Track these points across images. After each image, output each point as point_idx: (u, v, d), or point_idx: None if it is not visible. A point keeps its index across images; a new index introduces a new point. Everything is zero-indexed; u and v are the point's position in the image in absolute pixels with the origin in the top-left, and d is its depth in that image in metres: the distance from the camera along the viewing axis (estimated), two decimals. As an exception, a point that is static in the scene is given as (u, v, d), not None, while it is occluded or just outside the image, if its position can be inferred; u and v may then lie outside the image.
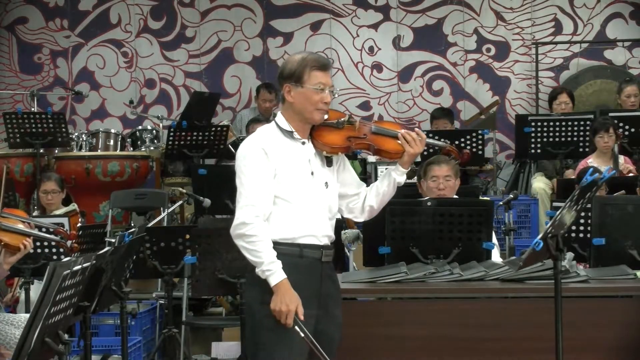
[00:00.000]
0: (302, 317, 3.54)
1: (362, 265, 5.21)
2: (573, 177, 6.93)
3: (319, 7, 9.90)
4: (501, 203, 6.06)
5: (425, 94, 9.82)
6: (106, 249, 4.26)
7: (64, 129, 8.06)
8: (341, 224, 4.95)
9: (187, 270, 6.00)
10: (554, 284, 3.63)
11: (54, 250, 5.63)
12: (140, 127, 8.73)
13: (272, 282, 3.54)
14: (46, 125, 7.98)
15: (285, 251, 3.62)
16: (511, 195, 6.15)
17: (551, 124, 7.55)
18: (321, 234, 3.72)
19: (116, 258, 4.43)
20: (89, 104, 9.94)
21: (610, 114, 7.46)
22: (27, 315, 3.55)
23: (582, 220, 5.10)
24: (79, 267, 3.15)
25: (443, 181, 5.21)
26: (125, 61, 9.99)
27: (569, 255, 4.48)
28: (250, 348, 3.76)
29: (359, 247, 5.28)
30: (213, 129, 8.14)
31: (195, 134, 8.01)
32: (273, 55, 9.87)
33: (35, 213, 7.35)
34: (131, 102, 9.23)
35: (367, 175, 8.09)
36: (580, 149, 7.51)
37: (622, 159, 7.17)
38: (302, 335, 3.52)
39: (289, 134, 3.72)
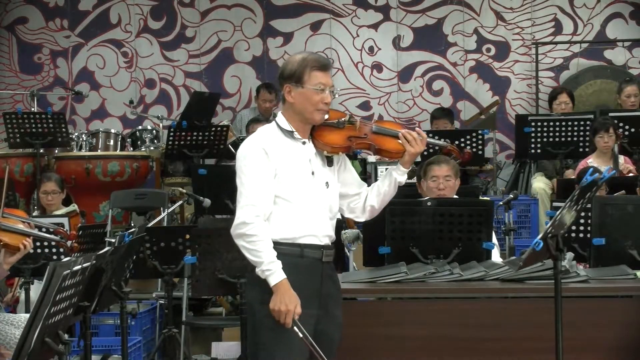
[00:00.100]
0: (297, 317, 3.54)
1: (362, 265, 5.21)
2: (573, 177, 6.93)
3: (319, 7, 9.90)
4: (501, 203, 6.06)
5: (425, 94, 9.82)
6: (106, 249, 4.26)
7: (64, 129, 8.06)
8: (341, 224, 4.95)
9: (187, 270, 6.00)
10: (554, 284, 3.63)
11: (54, 250, 5.63)
12: (140, 127, 8.74)
13: (272, 282, 3.54)
14: (46, 125, 7.98)
15: (286, 251, 3.62)
16: (511, 195, 6.15)
17: (551, 124, 7.55)
18: (322, 233, 3.72)
19: (116, 258, 4.43)
20: (89, 104, 9.94)
21: (610, 114, 7.46)
22: (27, 315, 3.55)
23: (582, 220, 5.10)
24: (79, 267, 3.15)
25: (443, 181, 5.21)
26: (125, 61, 9.99)
27: (569, 255, 4.48)
28: (251, 348, 3.76)
29: (359, 247, 5.28)
30: (213, 129, 8.14)
31: (195, 134, 8.01)
32: (273, 55, 9.87)
33: (35, 213, 7.34)
34: (131, 102, 9.23)
35: (367, 175, 8.09)
36: (580, 149, 7.51)
37: (622, 159, 7.17)
38: (301, 336, 3.52)
39: (290, 134, 3.72)
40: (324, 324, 3.71)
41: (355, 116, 3.88)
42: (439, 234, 4.52)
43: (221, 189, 6.81)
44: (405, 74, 9.84)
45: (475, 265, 4.39)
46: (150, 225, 6.52)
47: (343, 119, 3.81)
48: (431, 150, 5.62)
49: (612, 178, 5.26)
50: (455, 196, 5.26)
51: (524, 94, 9.76)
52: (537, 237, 3.65)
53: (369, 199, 3.88)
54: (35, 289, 5.70)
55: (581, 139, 7.51)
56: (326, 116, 3.75)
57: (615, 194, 5.98)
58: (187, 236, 5.89)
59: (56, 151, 8.25)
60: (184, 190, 7.16)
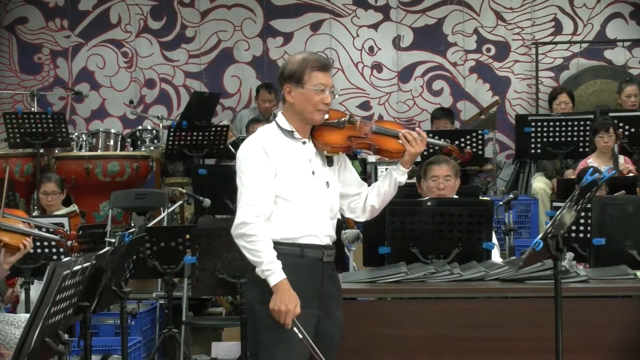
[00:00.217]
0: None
1: (362, 265, 5.21)
2: (573, 177, 6.93)
3: (319, 7, 9.90)
4: (501, 203, 6.06)
5: (425, 94, 9.82)
6: (106, 249, 4.25)
7: (64, 129, 8.06)
8: (341, 224, 4.95)
9: (187, 270, 6.00)
10: (554, 284, 3.63)
11: (54, 250, 5.63)
12: (140, 127, 8.74)
13: (272, 282, 3.54)
14: (46, 125, 7.98)
15: (287, 251, 3.62)
16: (511, 195, 6.15)
17: (551, 124, 7.55)
18: (322, 233, 3.72)
19: (116, 258, 4.43)
20: (89, 104, 9.94)
21: (610, 114, 7.46)
22: (27, 315, 3.55)
23: (582, 220, 5.11)
24: (79, 267, 3.15)
25: (443, 181, 5.21)
26: (125, 61, 9.99)
27: (569, 255, 4.48)
28: (251, 348, 3.76)
29: (359, 247, 5.28)
30: (213, 129, 8.14)
31: (195, 134, 8.01)
32: (273, 55, 9.87)
33: (35, 213, 7.35)
34: (131, 102, 9.23)
35: (367, 175, 8.09)
36: (580, 149, 7.51)
37: (622, 159, 7.17)
38: (301, 337, 3.52)
39: (290, 134, 3.72)
40: (324, 324, 3.70)
41: (355, 116, 3.88)
42: (439, 234, 4.52)
43: (221, 189, 6.82)
44: (405, 74, 9.84)
45: (475, 265, 4.39)
46: (150, 225, 6.52)
47: (343, 118, 3.81)
48: (431, 150, 5.62)
49: (612, 178, 5.26)
50: (455, 196, 5.26)
51: (524, 94, 9.76)
52: (537, 237, 3.65)
53: (369, 198, 3.88)
54: (35, 289, 5.70)
55: (581, 139, 7.51)
56: (326, 116, 3.75)
57: (615, 194, 5.98)
58: (187, 236, 5.89)
59: (56, 151, 8.25)
60: (184, 190, 7.16)
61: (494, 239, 4.80)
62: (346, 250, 5.47)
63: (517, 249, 6.20)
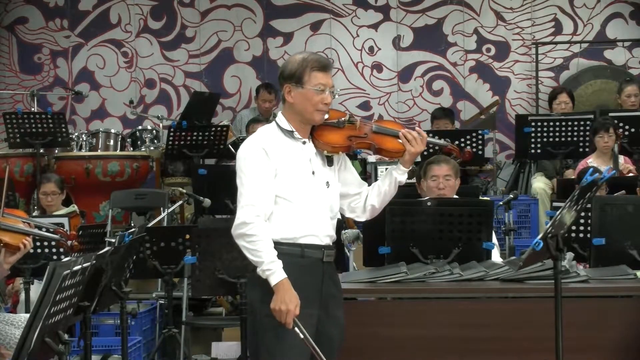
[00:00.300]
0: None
1: (362, 265, 5.21)
2: (573, 177, 6.93)
3: (319, 7, 9.90)
4: (501, 203, 6.06)
5: (425, 94, 9.82)
6: (106, 249, 4.26)
7: (64, 129, 8.06)
8: (341, 224, 4.95)
9: (187, 270, 6.00)
10: (554, 284, 3.63)
11: (54, 250, 5.63)
12: (140, 127, 8.74)
13: (272, 281, 3.53)
14: (46, 125, 7.98)
15: (287, 251, 3.62)
16: (511, 195, 6.14)
17: (551, 124, 7.55)
18: (323, 233, 3.72)
19: (116, 258, 4.43)
20: (89, 104, 9.94)
21: (610, 114, 7.46)
22: (27, 315, 3.55)
23: (582, 220, 5.11)
24: (79, 267, 3.15)
25: (443, 181, 5.21)
26: (125, 61, 9.99)
27: (569, 255, 4.48)
28: (251, 348, 3.76)
29: (359, 247, 5.27)
30: (213, 129, 8.14)
31: (195, 134, 8.01)
32: (273, 55, 9.87)
33: (35, 213, 7.35)
34: (131, 102, 9.23)
35: (367, 175, 8.08)
36: (580, 149, 7.51)
37: (622, 159, 7.17)
38: (302, 336, 3.52)
39: (290, 134, 3.72)
40: (325, 324, 3.70)
41: (355, 116, 3.88)
42: (439, 234, 4.52)
43: (221, 189, 6.82)
44: (405, 74, 9.84)
45: (475, 265, 4.39)
46: (150, 225, 6.52)
47: (343, 118, 3.81)
48: (431, 150, 5.62)
49: (612, 178, 5.25)
50: (455, 196, 5.26)
51: (524, 94, 9.76)
52: (537, 237, 3.65)
53: (370, 198, 3.87)
54: (35, 289, 5.70)
55: (581, 139, 7.51)
56: (326, 116, 3.75)
57: (615, 194, 5.98)
58: (187, 236, 5.89)
59: (56, 151, 8.25)
60: (184, 190, 7.16)
61: (494, 239, 4.80)
62: (346, 250, 5.47)
63: (517, 249, 6.20)
